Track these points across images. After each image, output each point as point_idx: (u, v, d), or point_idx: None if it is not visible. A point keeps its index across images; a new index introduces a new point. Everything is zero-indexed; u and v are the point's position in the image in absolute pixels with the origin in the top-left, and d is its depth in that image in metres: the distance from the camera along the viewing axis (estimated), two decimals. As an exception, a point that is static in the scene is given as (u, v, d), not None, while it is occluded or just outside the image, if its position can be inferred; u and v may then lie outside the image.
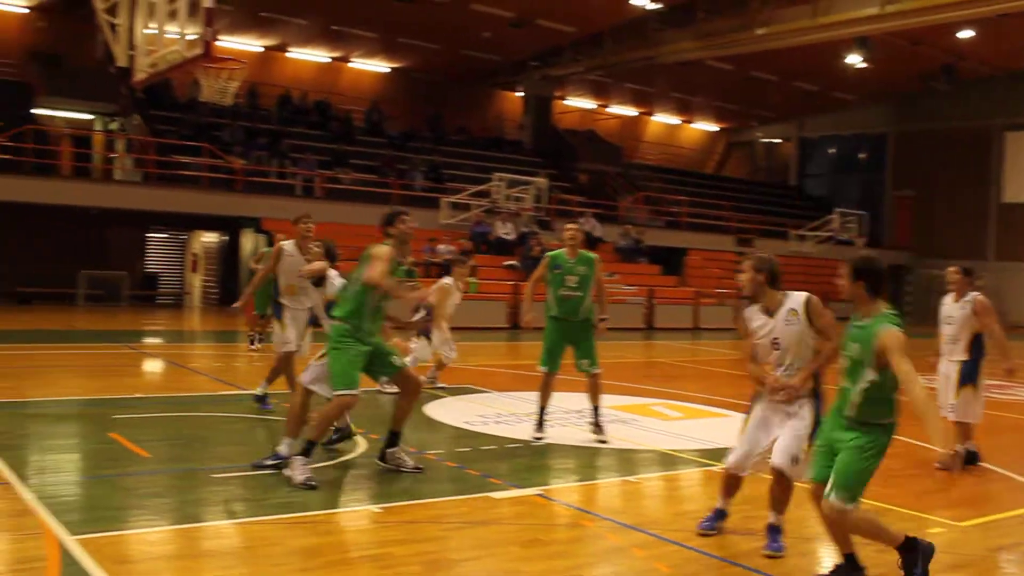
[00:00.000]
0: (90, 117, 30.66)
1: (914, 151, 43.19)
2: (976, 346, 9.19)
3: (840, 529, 5.43)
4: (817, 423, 6.06)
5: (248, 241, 26.99)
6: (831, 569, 5.62)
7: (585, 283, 9.46)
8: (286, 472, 7.41)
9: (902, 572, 5.50)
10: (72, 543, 5.59)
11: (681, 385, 14.81)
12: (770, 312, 6.22)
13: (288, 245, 10.04)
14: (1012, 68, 37.14)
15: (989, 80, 38.05)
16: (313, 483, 7.20)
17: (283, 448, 7.71)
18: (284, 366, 10.14)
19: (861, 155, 47.71)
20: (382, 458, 7.92)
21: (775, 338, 6.17)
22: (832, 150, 48.97)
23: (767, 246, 37.38)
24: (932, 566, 5.95)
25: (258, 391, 10.61)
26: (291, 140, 30.29)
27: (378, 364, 7.77)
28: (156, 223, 29.29)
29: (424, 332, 12.74)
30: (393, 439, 7.92)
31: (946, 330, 9.30)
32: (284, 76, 35.25)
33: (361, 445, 8.79)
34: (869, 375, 5.26)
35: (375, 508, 6.89)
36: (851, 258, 5.49)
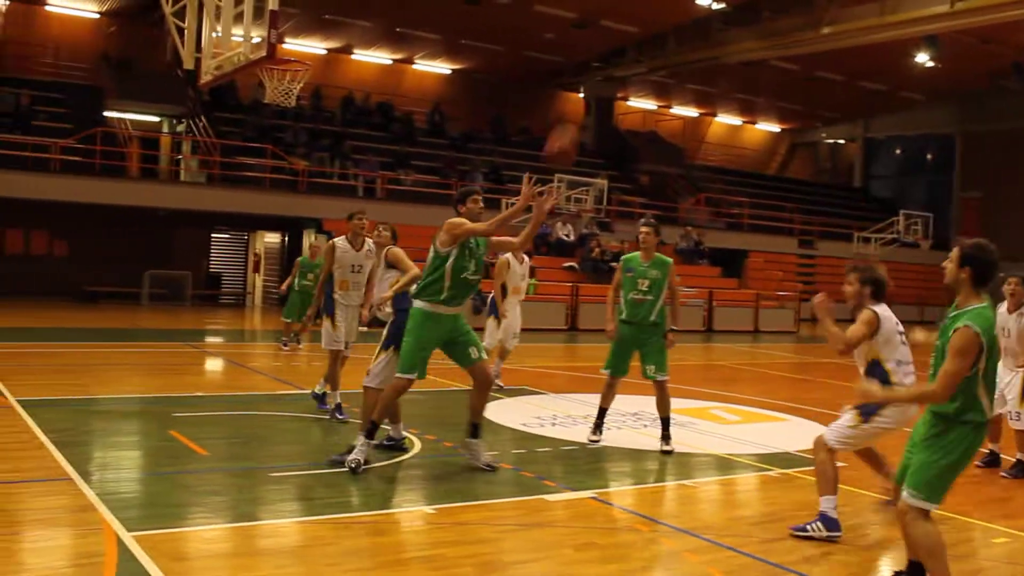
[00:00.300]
0: (158, 119, 31.21)
1: (982, 151, 42.35)
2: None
3: (907, 531, 5.27)
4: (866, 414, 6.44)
5: (310, 241, 27.26)
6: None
7: (657, 287, 9.24)
8: (352, 456, 7.68)
9: None
10: (130, 539, 5.68)
11: (739, 388, 14.67)
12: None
13: (341, 241, 10.13)
14: (1086, 66, 36.29)
15: (1062, 78, 37.16)
16: (361, 468, 7.56)
17: (396, 432, 8.19)
18: (332, 364, 10.21)
19: (928, 156, 46.93)
20: (464, 445, 8.13)
21: None
22: (898, 151, 48.21)
23: (830, 248, 36.96)
24: (994, 575, 5.85)
25: (316, 390, 10.71)
26: (353, 141, 30.55)
27: (455, 353, 7.93)
28: (220, 223, 29.72)
29: (493, 313, 12.76)
30: (474, 431, 8.07)
31: (1003, 342, 9.02)
32: (347, 78, 35.57)
33: (416, 446, 8.82)
34: None
35: (429, 509, 6.90)
36: (963, 242, 5.25)
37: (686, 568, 5.93)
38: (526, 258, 13.35)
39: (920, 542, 5.20)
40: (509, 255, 12.62)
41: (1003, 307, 9.15)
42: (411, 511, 6.97)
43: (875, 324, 6.37)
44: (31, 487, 6.92)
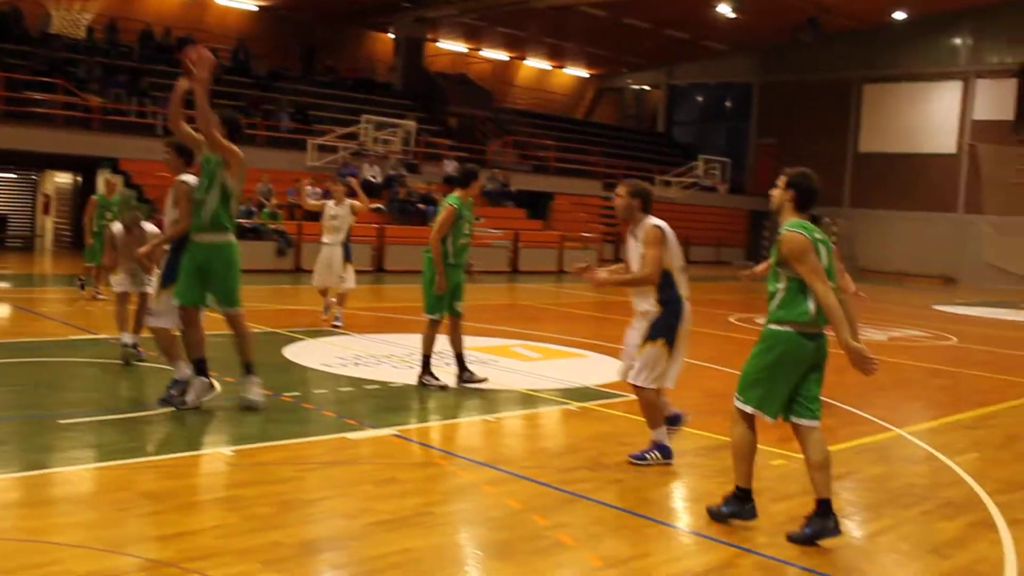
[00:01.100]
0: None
1: (778, 101, 44.20)
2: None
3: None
4: (664, 332, 6.72)
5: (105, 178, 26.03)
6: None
7: (471, 228, 9.56)
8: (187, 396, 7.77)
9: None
10: (-97, 491, 5.40)
11: (542, 327, 14.98)
12: (635, 235, 6.80)
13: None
14: (873, 22, 38.31)
15: (851, 33, 39.08)
16: (188, 407, 7.67)
17: (180, 372, 8.01)
18: (119, 306, 10.02)
19: (727, 104, 48.69)
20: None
21: (626, 257, 6.88)
22: (700, 98, 49.81)
23: (634, 192, 37.95)
24: (771, 495, 6.24)
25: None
26: (152, 78, 29.23)
27: None
28: (6, 163, 28.01)
29: (347, 257, 13.76)
30: (246, 369, 8.02)
31: None
32: (147, 11, 33.92)
33: (215, 388, 8.66)
34: (780, 279, 5.45)
35: (227, 451, 6.82)
36: (787, 170, 5.60)
37: (483, 499, 6.08)
38: (347, 200, 13.85)
39: (732, 442, 5.72)
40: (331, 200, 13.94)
41: None
42: (209, 453, 6.87)
43: (663, 237, 6.67)
44: None
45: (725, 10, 33.39)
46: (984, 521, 6.19)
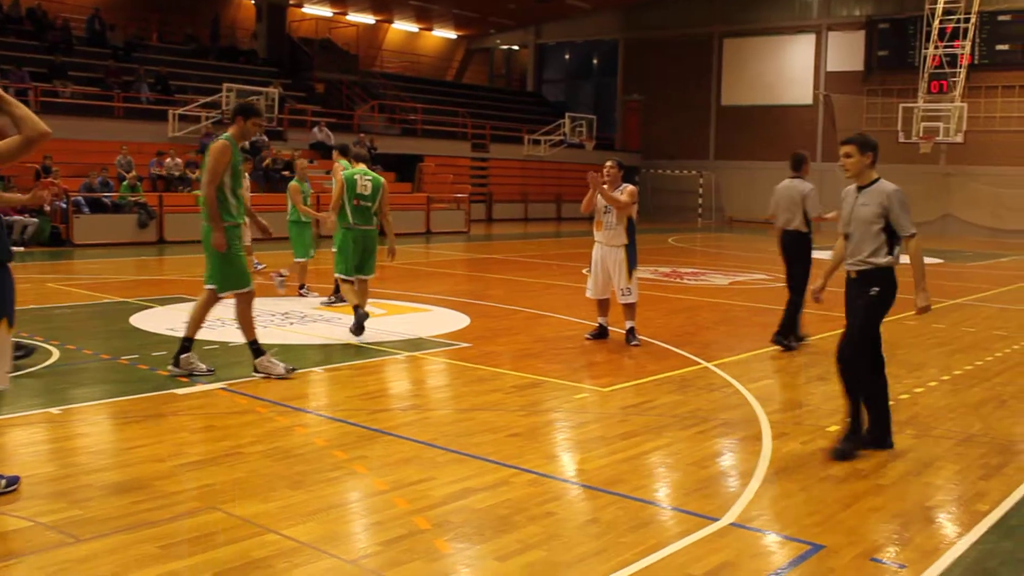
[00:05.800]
0: None
1: (643, 57, 45.19)
2: (631, 231, 10.32)
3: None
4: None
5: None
6: None
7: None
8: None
9: None
10: None
11: (396, 285, 15.44)
12: None
13: None
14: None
15: (709, -12, 40.39)
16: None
17: None
18: None
19: (594, 61, 49.54)
20: (175, 364, 8.37)
21: None
22: (568, 56, 50.56)
23: (502, 151, 38.60)
24: (570, 423, 6.87)
25: None
26: (1, 51, 28.61)
27: None
28: None
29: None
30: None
31: (606, 218, 10.30)
32: (-5, -18, 33.06)
33: (54, 355, 8.97)
34: None
35: (55, 410, 7.17)
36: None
37: (293, 439, 6.56)
38: None
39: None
40: None
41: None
42: (36, 413, 7.18)
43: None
44: None
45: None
46: (754, 435, 6.93)
